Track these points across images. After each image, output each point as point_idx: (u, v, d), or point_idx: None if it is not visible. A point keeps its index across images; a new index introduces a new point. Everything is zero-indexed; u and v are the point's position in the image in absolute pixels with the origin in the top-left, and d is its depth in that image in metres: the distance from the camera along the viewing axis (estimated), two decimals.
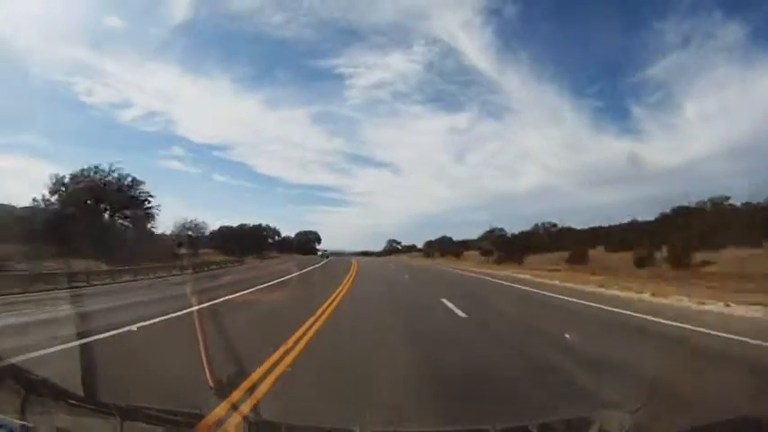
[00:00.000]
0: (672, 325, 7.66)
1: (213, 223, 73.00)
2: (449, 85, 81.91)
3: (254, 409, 3.07)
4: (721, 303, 9.90)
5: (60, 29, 58.18)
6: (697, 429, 1.82)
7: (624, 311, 9.59)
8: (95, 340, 5.77)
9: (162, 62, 71.42)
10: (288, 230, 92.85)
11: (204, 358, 2.89)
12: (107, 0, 51.79)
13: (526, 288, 16.54)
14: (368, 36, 79.34)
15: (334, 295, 12.42)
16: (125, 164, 74.61)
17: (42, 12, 52.82)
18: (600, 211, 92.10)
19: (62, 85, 59.19)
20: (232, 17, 65.59)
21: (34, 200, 29.70)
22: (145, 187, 35.77)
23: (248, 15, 68.80)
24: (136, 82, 75.86)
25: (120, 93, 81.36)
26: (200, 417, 2.36)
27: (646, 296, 12.31)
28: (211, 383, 3.05)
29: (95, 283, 17.10)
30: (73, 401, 2.06)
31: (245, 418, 2.30)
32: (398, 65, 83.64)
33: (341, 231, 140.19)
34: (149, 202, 36.14)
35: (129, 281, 19.40)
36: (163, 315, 8.16)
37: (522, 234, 48.21)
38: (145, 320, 7.56)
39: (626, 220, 38.54)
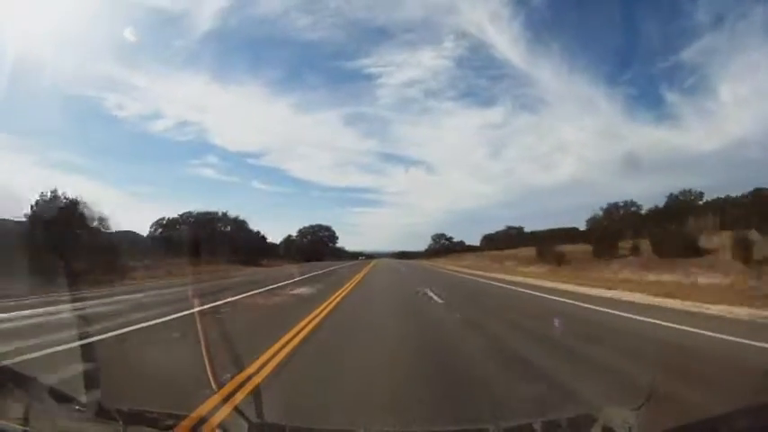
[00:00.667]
0: None
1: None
2: (480, 80, 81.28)
3: (258, 411, 3.07)
4: None
5: (86, 44, 58.26)
6: (699, 423, 1.81)
7: None
8: None
9: (191, 72, 72.08)
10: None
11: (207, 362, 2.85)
12: (132, 13, 51.78)
13: None
14: (396, 34, 78.94)
15: None
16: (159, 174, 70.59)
17: (67, 28, 52.75)
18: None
19: (93, 100, 59.53)
20: (258, 22, 65.71)
21: None
22: None
23: (274, 20, 68.99)
24: (165, 93, 75.74)
25: (150, 105, 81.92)
26: (204, 420, 2.36)
27: None
28: (214, 387, 3.06)
29: None
30: (76, 406, 2.07)
31: (248, 420, 2.31)
32: (429, 61, 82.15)
33: (379, 232, 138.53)
34: None
35: None
36: None
37: (658, 211, 29.91)
38: None
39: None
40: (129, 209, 63.47)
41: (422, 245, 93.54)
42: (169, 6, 57.70)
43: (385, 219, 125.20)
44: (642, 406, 1.96)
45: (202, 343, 3.90)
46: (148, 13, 52.21)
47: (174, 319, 8.01)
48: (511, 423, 2.33)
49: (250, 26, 67.63)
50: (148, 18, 52.66)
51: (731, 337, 6.22)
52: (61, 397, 2.07)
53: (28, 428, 1.63)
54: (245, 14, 64.36)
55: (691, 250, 19.50)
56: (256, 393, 3.48)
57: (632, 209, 36.30)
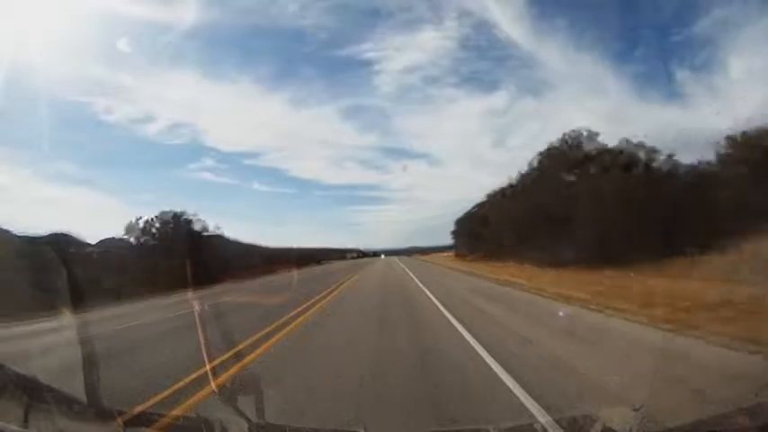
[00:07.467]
0: None
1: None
2: (483, 63, 77.92)
3: (258, 412, 3.07)
4: None
5: (70, 47, 57.23)
6: (699, 423, 1.80)
7: None
8: None
9: (179, 71, 69.26)
10: (330, 234, 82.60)
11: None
12: (114, 13, 50.52)
13: None
14: (393, 14, 75.63)
15: None
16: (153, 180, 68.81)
17: (50, 30, 51.75)
18: None
19: (80, 105, 58.02)
20: (244, 13, 63.49)
21: None
22: None
23: (261, 9, 66.67)
24: (155, 95, 73.68)
25: (140, 108, 79.90)
26: (204, 420, 2.36)
27: None
28: (215, 388, 3.06)
29: None
30: (76, 407, 2.06)
31: (248, 421, 2.30)
32: (428, 43, 77.44)
33: (385, 229, 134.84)
34: None
35: None
36: None
37: None
38: None
39: None
40: (130, 217, 62.51)
41: (435, 240, 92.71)
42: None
43: (392, 215, 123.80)
44: (643, 406, 1.96)
45: None
46: (132, 6, 50.92)
47: None
48: (511, 423, 2.33)
49: (236, 17, 65.19)
50: (131, 14, 51.26)
51: None
52: (61, 397, 2.07)
53: (28, 430, 1.63)
54: (230, 5, 62.54)
55: None
56: None
57: None
